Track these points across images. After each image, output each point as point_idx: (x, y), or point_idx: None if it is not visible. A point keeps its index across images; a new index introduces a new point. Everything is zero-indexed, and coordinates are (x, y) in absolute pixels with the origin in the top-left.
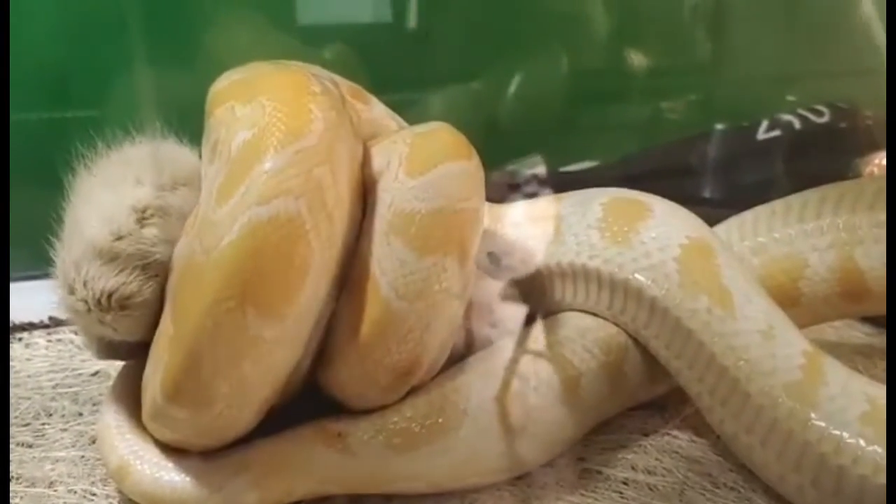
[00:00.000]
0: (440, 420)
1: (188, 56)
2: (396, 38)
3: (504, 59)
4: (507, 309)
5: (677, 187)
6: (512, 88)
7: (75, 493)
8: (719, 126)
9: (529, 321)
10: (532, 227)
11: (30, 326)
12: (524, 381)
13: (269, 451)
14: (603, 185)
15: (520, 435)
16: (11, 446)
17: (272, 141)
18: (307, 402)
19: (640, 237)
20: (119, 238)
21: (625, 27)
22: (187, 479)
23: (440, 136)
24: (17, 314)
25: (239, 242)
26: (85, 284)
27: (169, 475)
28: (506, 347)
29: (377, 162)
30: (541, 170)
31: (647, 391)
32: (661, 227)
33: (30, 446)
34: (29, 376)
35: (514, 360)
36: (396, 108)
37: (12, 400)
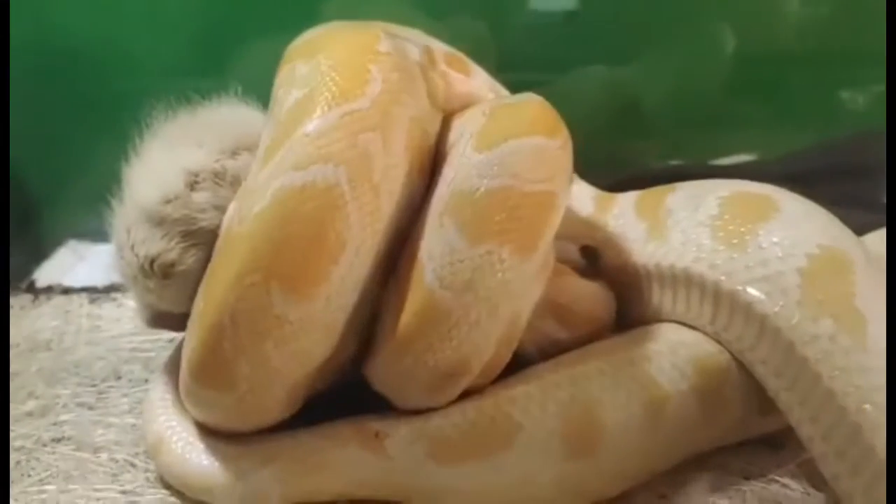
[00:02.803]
0: (490, 432)
1: (304, 23)
2: (540, 17)
3: (658, 43)
4: (591, 313)
5: (851, 190)
6: (664, 75)
7: (116, 461)
8: None
9: (616, 330)
10: (637, 220)
11: (123, 288)
12: (596, 397)
13: (299, 445)
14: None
15: (585, 458)
16: (72, 406)
17: (319, 101)
18: (354, 396)
19: (758, 241)
20: (168, 201)
21: (801, 7)
22: (215, 463)
23: (523, 107)
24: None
25: (268, 211)
26: (132, 248)
27: (198, 457)
28: (580, 358)
29: (453, 135)
30: None
31: (756, 424)
32: (788, 231)
33: (90, 408)
34: (112, 337)
35: (587, 374)
36: (526, 89)
37: (89, 360)
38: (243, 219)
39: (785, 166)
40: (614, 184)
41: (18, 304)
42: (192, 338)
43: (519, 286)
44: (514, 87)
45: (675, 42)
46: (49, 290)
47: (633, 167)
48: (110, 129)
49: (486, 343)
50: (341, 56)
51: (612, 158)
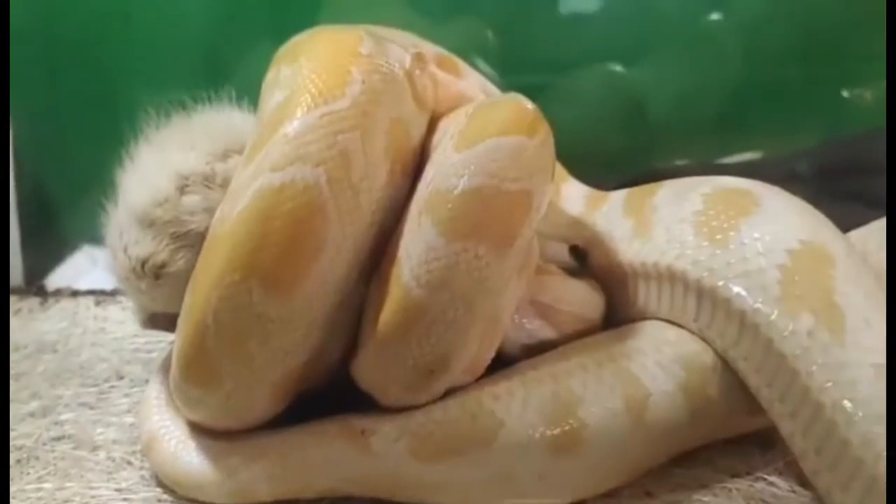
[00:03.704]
0: (472, 429)
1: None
2: (542, 16)
3: (663, 43)
4: (578, 313)
5: (858, 187)
6: (669, 75)
7: (113, 460)
8: None
9: (605, 329)
10: (623, 218)
11: None
12: (577, 394)
13: (287, 442)
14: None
15: (567, 454)
16: (74, 406)
17: (299, 103)
18: (344, 396)
19: (740, 237)
20: (158, 204)
21: (808, 7)
22: (205, 461)
23: (502, 107)
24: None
25: (247, 210)
26: (125, 250)
27: (189, 455)
28: (562, 354)
29: (437, 136)
30: None
31: (743, 423)
32: (769, 226)
33: (91, 408)
34: (115, 339)
35: (569, 370)
36: (531, 91)
37: (92, 361)
38: (225, 219)
39: (792, 164)
40: (620, 184)
41: (27, 307)
42: (179, 335)
43: (496, 284)
44: (520, 90)
45: (681, 42)
46: (58, 293)
47: (639, 168)
48: (128, 138)
49: (465, 341)
50: (322, 58)
51: (619, 159)
